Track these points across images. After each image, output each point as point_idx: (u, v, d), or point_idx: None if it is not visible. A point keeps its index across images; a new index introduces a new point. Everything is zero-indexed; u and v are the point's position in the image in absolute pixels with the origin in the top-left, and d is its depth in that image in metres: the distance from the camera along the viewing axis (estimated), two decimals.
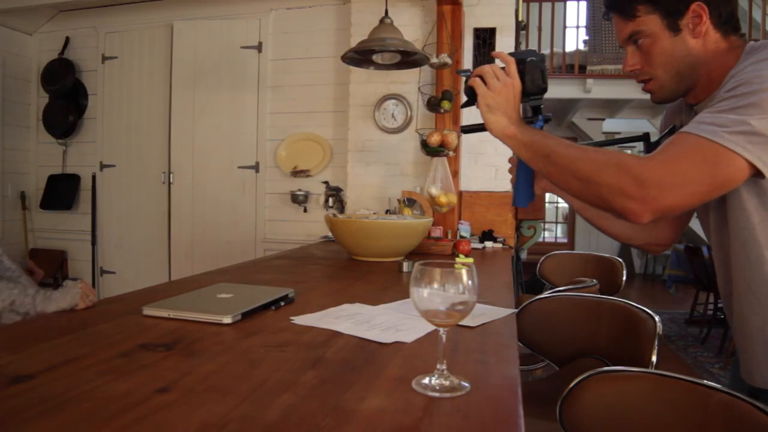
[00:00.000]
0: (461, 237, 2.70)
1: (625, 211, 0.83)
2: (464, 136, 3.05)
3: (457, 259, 2.02)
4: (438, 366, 0.74)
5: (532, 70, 1.06)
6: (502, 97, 1.00)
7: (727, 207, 0.94)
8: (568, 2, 5.56)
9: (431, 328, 0.98)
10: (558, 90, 5.78)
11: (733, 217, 0.93)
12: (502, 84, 1.01)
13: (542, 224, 4.64)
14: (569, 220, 9.00)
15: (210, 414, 0.63)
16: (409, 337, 0.96)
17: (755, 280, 0.91)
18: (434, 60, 3.05)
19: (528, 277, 3.81)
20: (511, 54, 1.09)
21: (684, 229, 1.22)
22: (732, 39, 0.96)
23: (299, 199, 3.67)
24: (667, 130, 1.09)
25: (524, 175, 1.11)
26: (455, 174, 3.20)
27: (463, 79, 1.10)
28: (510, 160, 1.18)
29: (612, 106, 6.47)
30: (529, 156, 0.98)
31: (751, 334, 0.93)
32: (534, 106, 1.09)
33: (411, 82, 3.38)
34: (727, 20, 0.95)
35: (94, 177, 4.20)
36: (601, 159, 0.86)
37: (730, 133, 0.78)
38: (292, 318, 1.09)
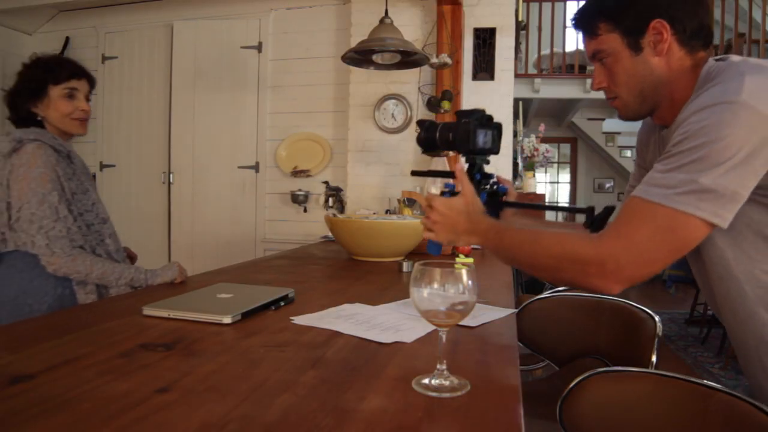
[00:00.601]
0: None
1: (594, 289, 0.83)
2: None
3: (457, 259, 2.02)
4: (438, 366, 0.74)
5: (460, 133, 1.13)
6: (446, 230, 1.02)
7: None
8: (568, 2, 5.56)
9: (431, 328, 0.98)
10: (558, 90, 5.78)
11: (706, 253, 0.92)
12: (434, 224, 1.03)
13: None
14: (569, 221, 9.01)
15: (210, 414, 0.63)
16: (409, 337, 0.96)
17: (740, 313, 0.90)
18: (434, 60, 3.05)
19: (528, 277, 3.81)
20: (456, 111, 1.17)
21: None
22: (699, 55, 0.94)
23: (299, 199, 3.67)
24: (603, 210, 1.05)
25: None
26: None
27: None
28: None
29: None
30: (499, 258, 1.00)
31: (751, 359, 0.92)
32: (470, 164, 1.17)
33: (411, 82, 3.38)
34: (694, 35, 0.92)
35: (94, 177, 4.20)
36: (558, 252, 0.87)
37: (680, 194, 0.77)
38: (291, 318, 1.08)
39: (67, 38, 4.25)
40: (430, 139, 1.21)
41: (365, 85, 3.47)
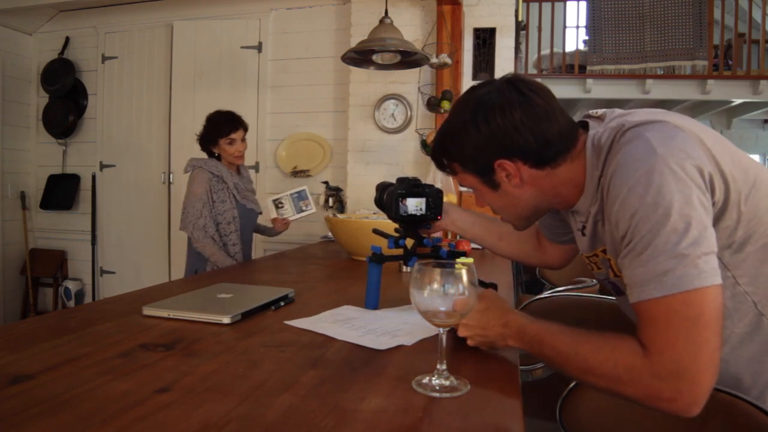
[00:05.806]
0: (461, 237, 2.70)
1: (672, 412, 0.71)
2: None
3: (457, 259, 2.02)
4: (438, 366, 0.74)
5: (386, 199, 1.19)
6: (480, 336, 0.87)
7: None
8: (568, 2, 5.55)
9: (428, 334, 0.97)
10: (558, 90, 5.75)
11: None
12: (471, 334, 0.88)
13: None
14: None
15: (210, 414, 0.63)
16: (407, 340, 0.95)
17: None
18: (434, 60, 3.05)
19: (528, 277, 3.81)
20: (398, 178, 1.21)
21: (575, 255, 1.21)
22: (573, 153, 0.89)
23: None
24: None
25: (374, 281, 1.21)
26: None
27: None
28: None
29: (612, 106, 6.47)
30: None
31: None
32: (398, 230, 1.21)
33: (411, 82, 3.38)
34: (546, 154, 0.87)
35: (94, 177, 4.20)
36: (610, 372, 0.74)
37: (678, 272, 0.69)
38: (286, 321, 1.07)
39: (67, 38, 4.25)
40: (380, 199, 1.26)
41: (365, 85, 3.47)
